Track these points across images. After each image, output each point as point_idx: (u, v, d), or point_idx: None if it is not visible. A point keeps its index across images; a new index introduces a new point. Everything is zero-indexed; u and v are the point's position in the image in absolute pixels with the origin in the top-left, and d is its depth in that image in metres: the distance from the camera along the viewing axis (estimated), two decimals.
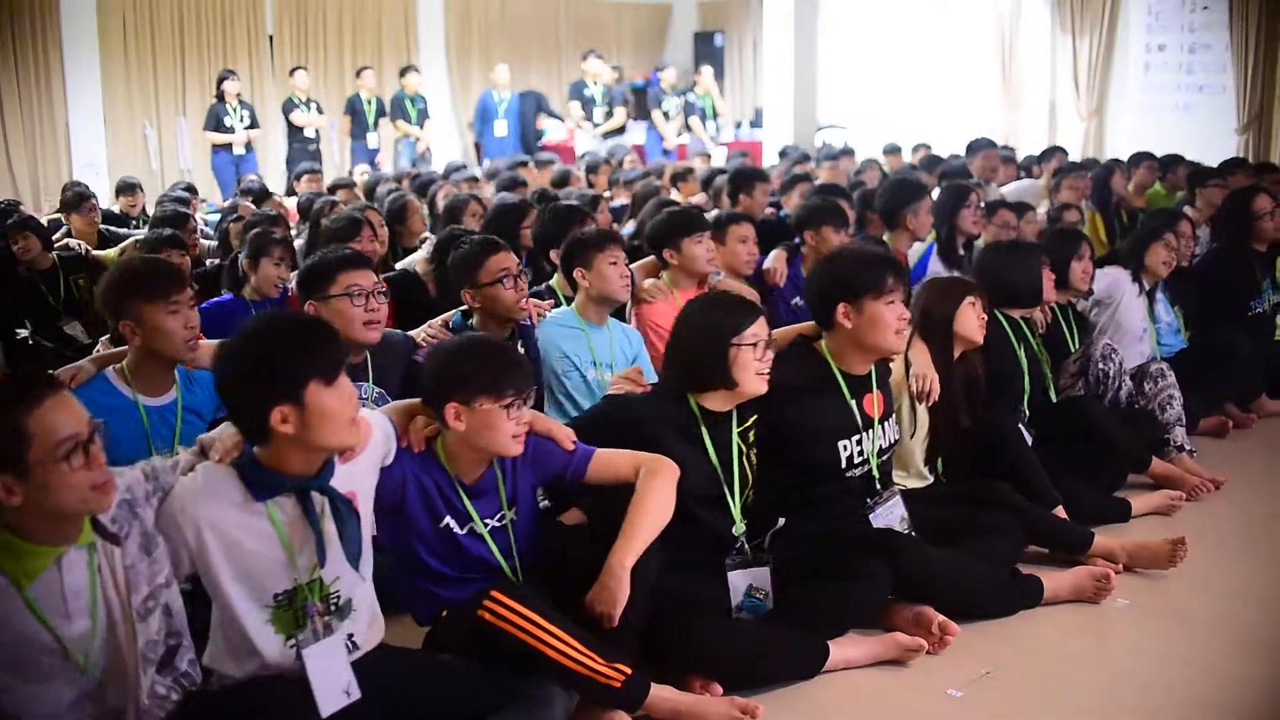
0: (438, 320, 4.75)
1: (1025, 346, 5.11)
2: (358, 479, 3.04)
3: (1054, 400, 5.26)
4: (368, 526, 3.06)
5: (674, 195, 8.96)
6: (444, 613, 3.32)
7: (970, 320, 4.45)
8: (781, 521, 3.86)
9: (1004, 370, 4.88)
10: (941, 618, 3.70)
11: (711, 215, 6.21)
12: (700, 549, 3.62)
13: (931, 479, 4.51)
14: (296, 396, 2.73)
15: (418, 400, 3.34)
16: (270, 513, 2.84)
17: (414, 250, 6.99)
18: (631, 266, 5.47)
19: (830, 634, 3.62)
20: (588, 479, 3.41)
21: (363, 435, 2.97)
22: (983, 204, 7.05)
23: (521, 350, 4.58)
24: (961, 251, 6.77)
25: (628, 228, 7.88)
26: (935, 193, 7.46)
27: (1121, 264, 6.00)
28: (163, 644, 2.75)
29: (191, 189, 10.29)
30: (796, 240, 6.26)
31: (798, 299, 5.88)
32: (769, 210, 8.31)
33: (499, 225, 6.26)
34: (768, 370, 3.67)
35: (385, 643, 3.15)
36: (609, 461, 3.41)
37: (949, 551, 3.92)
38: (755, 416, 3.80)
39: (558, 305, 5.04)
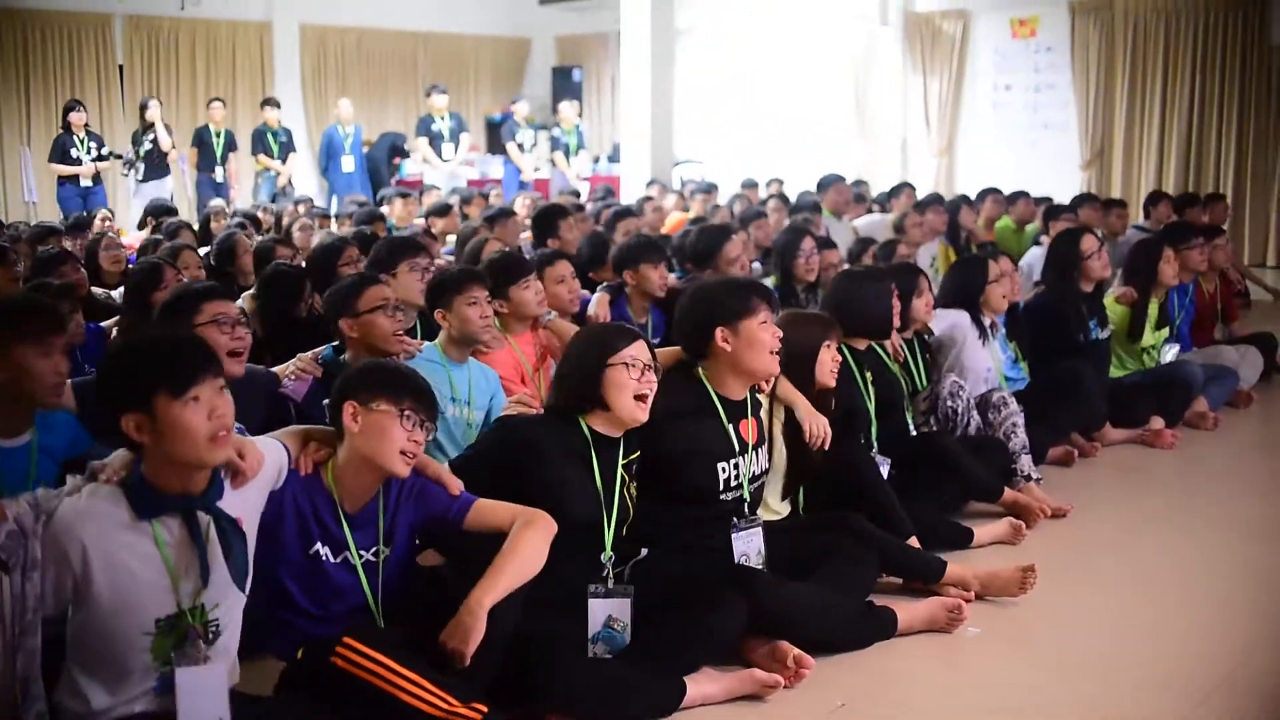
0: (307, 355, 4.69)
1: (880, 376, 5.19)
2: (248, 504, 3.03)
3: (911, 433, 5.33)
4: (253, 552, 3.02)
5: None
6: (300, 652, 3.25)
7: (826, 365, 4.52)
8: (644, 553, 3.86)
9: (848, 403, 4.92)
10: (797, 651, 3.70)
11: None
12: (567, 575, 3.58)
13: (788, 511, 4.54)
14: (145, 405, 2.74)
15: (310, 426, 3.40)
16: (155, 532, 2.81)
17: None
18: None
19: (686, 667, 3.61)
20: (466, 526, 3.40)
21: (225, 455, 2.88)
22: (816, 251, 7.00)
23: None
24: (803, 296, 6.79)
25: None
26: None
27: (960, 305, 6.09)
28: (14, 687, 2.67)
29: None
30: (619, 281, 6.24)
31: None
32: None
33: (320, 265, 6.18)
34: (648, 395, 3.71)
35: (235, 690, 3.07)
36: (489, 511, 3.41)
37: (804, 585, 3.95)
38: (638, 452, 3.84)
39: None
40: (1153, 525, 5.30)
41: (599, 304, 6.10)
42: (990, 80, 16.60)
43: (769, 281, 6.78)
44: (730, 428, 4.07)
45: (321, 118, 17.55)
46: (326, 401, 3.46)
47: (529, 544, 3.30)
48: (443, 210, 9.83)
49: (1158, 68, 15.04)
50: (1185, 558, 4.90)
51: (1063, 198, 11.59)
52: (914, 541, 4.55)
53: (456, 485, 3.43)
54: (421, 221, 10.15)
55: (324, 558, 3.29)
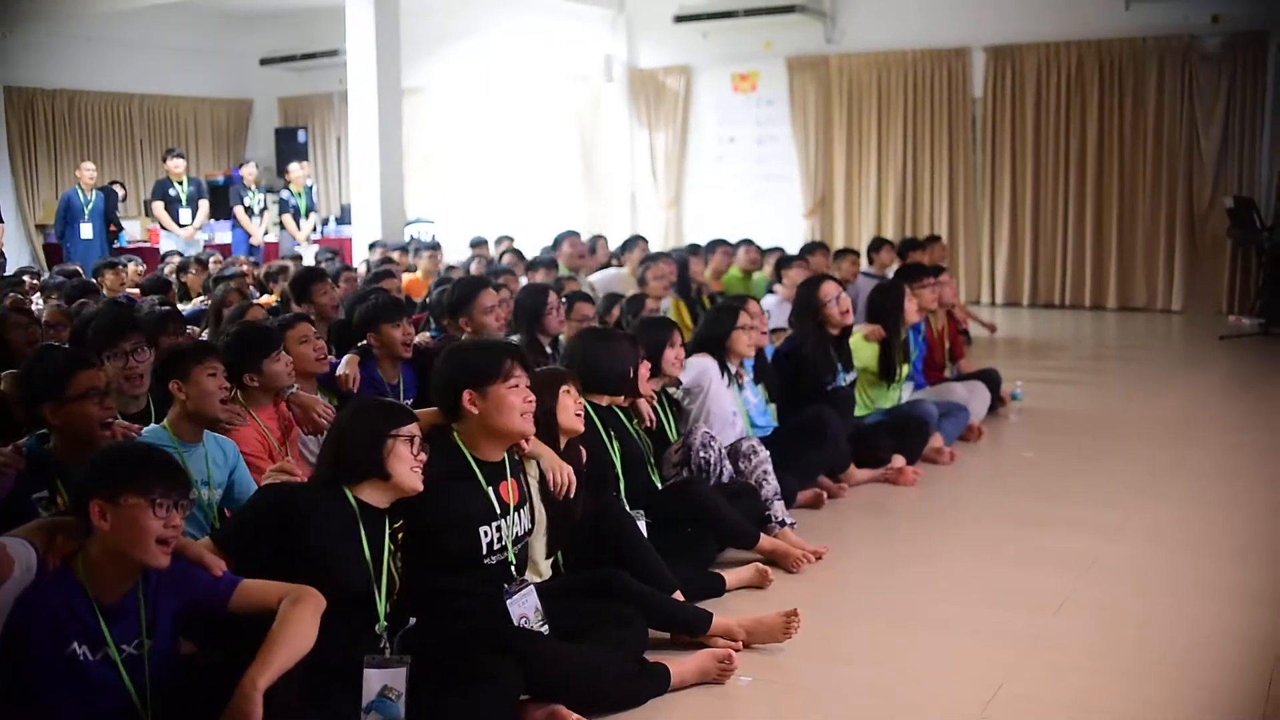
0: (7, 448, 4.13)
1: (622, 435, 5.17)
2: None
3: (659, 486, 5.34)
4: None
5: (263, 299, 8.69)
6: None
7: (568, 410, 4.53)
8: (413, 621, 3.75)
9: (599, 458, 4.91)
10: (575, 716, 3.65)
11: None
12: (340, 646, 3.44)
13: (551, 573, 4.48)
14: None
15: (55, 519, 3.17)
16: None
17: None
18: None
19: None
20: (231, 608, 3.23)
21: None
22: (563, 300, 7.06)
23: None
24: (549, 350, 6.76)
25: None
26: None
27: (707, 351, 6.21)
28: None
29: None
30: (366, 342, 6.08)
31: None
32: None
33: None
34: (421, 469, 3.68)
35: None
36: (255, 591, 3.26)
37: (576, 647, 3.89)
38: (402, 520, 3.74)
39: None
40: (903, 561, 5.46)
41: (348, 364, 5.91)
42: (714, 134, 17.04)
43: (515, 338, 6.75)
44: (490, 490, 4.01)
45: (32, 184, 16.78)
46: (38, 496, 3.23)
47: (299, 621, 3.17)
48: (163, 285, 9.37)
49: (872, 119, 15.73)
50: (936, 590, 5.05)
51: (789, 246, 11.95)
52: (678, 595, 4.56)
53: (219, 567, 3.27)
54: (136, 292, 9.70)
55: (82, 657, 3.05)
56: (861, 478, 6.64)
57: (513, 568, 4.04)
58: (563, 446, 4.50)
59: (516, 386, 4.01)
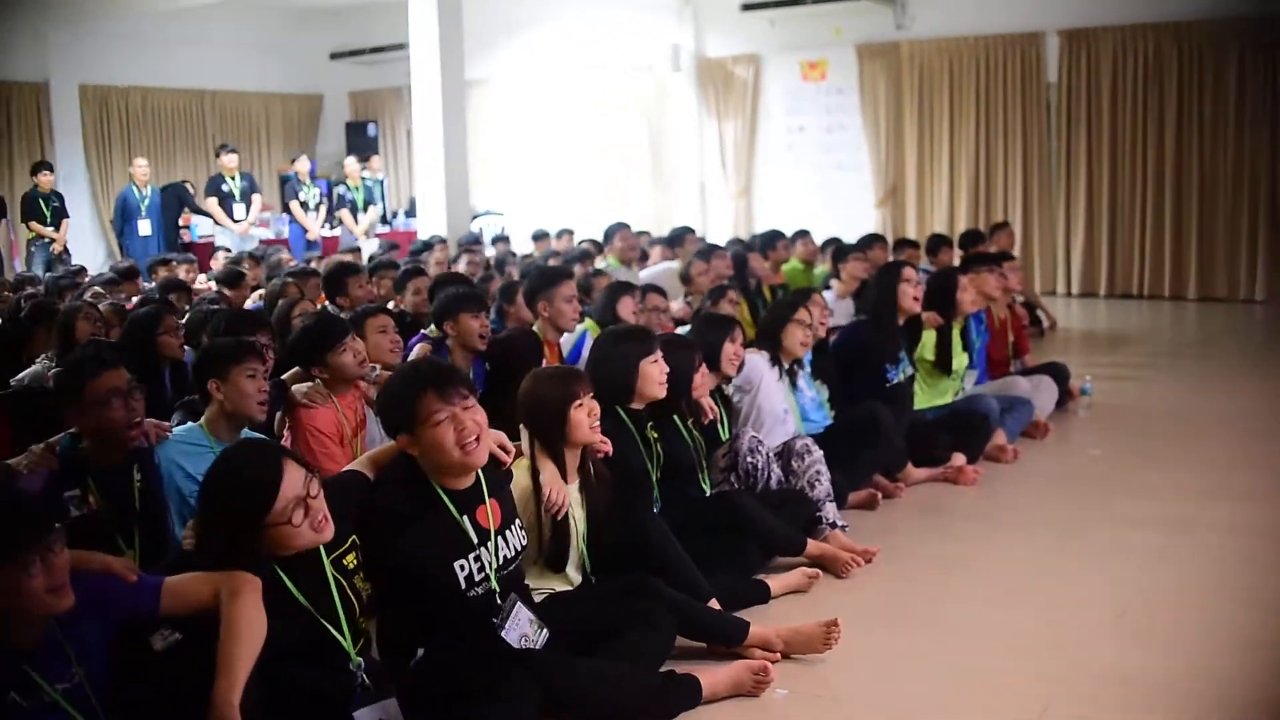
0: (40, 446, 4.16)
1: (670, 438, 5.00)
2: None
3: (707, 494, 5.18)
4: None
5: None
6: None
7: (582, 424, 4.24)
8: (421, 652, 3.59)
9: (629, 463, 4.70)
10: None
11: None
12: (319, 694, 3.30)
13: (580, 579, 4.32)
14: None
15: None
16: None
17: None
18: (284, 378, 5.20)
19: None
20: (164, 612, 3.06)
21: None
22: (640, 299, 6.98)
23: (138, 475, 4.18)
24: None
25: None
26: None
27: (760, 347, 6.07)
28: None
29: None
30: (438, 332, 6.05)
31: None
32: None
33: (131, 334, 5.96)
34: (323, 519, 3.28)
35: None
36: (183, 590, 3.08)
37: (598, 661, 3.75)
38: (352, 538, 3.48)
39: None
40: (958, 565, 5.26)
41: (420, 351, 5.95)
42: (783, 123, 16.84)
43: (583, 326, 6.65)
44: (464, 519, 3.67)
45: (107, 180, 16.97)
46: (70, 494, 3.12)
47: (245, 618, 3.02)
48: (234, 279, 9.34)
49: (944, 107, 15.43)
50: (991, 597, 4.86)
51: (859, 236, 11.72)
52: (714, 604, 4.40)
53: (130, 570, 3.08)
54: (208, 286, 9.74)
55: (21, 704, 2.87)
56: (919, 477, 6.44)
57: (497, 596, 3.72)
58: (579, 459, 4.32)
59: (443, 422, 3.59)
